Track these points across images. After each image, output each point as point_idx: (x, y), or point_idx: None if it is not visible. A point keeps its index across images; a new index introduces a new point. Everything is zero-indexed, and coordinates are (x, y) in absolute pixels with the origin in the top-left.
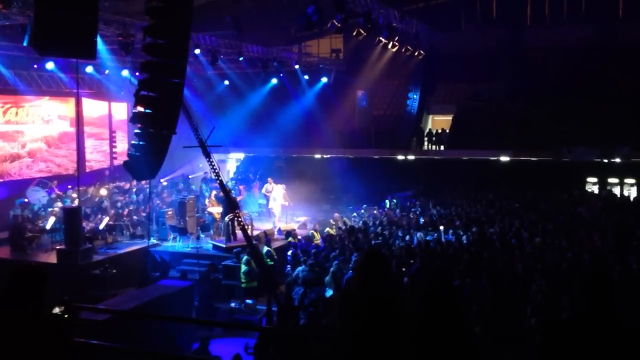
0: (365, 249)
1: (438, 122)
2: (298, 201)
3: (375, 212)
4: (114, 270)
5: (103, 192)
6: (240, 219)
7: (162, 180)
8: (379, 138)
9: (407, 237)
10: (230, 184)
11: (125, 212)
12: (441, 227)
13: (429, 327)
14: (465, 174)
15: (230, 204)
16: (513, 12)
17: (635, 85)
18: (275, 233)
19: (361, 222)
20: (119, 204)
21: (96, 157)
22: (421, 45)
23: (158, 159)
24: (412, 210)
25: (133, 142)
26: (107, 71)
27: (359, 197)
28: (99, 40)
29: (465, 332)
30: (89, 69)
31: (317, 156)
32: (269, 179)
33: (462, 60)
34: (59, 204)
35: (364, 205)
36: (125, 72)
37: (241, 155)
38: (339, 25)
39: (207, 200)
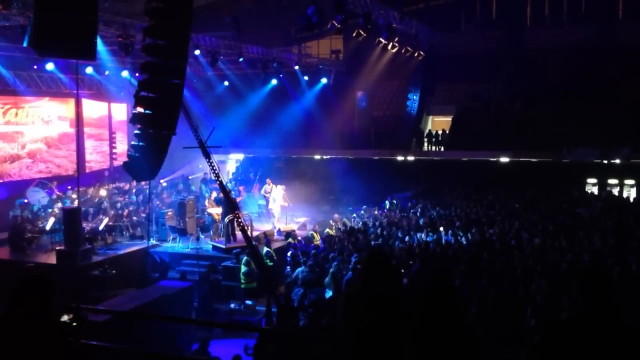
0: (365, 249)
1: (438, 122)
2: (298, 202)
3: (375, 212)
4: (114, 271)
5: (103, 192)
6: (240, 220)
7: (161, 181)
8: (378, 139)
9: (407, 238)
10: (230, 185)
11: (125, 212)
12: (441, 228)
13: (429, 326)
14: (464, 174)
15: (230, 205)
16: (513, 12)
17: (635, 86)
18: (275, 234)
19: (361, 223)
20: (118, 205)
21: (96, 157)
22: (421, 46)
23: (158, 160)
24: (412, 211)
25: (133, 142)
26: (107, 72)
27: (359, 198)
28: (98, 41)
29: (465, 330)
30: (89, 70)
31: (317, 157)
32: (268, 180)
33: (462, 61)
34: (59, 205)
35: (364, 206)
36: (125, 73)
37: (241, 156)
38: (339, 26)
39: (206, 201)
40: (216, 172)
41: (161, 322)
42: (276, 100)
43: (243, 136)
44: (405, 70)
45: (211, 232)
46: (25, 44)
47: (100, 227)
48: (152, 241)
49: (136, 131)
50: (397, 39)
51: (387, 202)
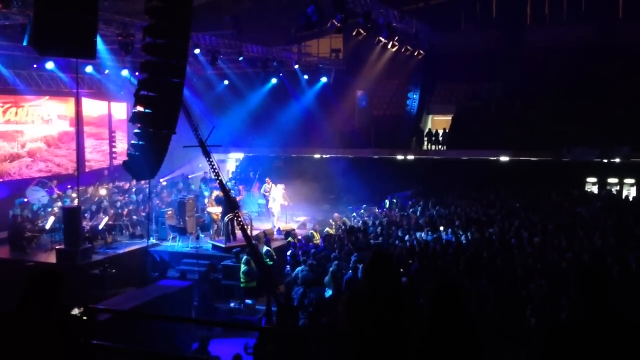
0: (365, 249)
1: (438, 122)
2: (298, 201)
3: (375, 212)
4: (114, 270)
5: (103, 192)
6: (240, 219)
7: (161, 180)
8: (378, 138)
9: (407, 238)
10: (230, 184)
11: (125, 212)
12: (441, 228)
13: (437, 332)
14: (465, 174)
15: (230, 204)
16: (513, 12)
17: (635, 86)
18: (275, 233)
19: (361, 222)
20: (118, 204)
21: (96, 157)
22: (421, 45)
23: (158, 159)
24: (412, 210)
25: (133, 142)
26: (107, 71)
27: (359, 197)
28: (99, 40)
29: (473, 336)
30: (89, 69)
31: (317, 156)
32: (267, 180)
33: (462, 60)
34: (59, 204)
35: (364, 206)
36: (125, 72)
37: (241, 155)
38: (339, 25)
39: (206, 200)
40: (216, 171)
41: (161, 322)
42: (276, 100)
43: (243, 135)
44: (405, 69)
45: (211, 231)
46: (25, 43)
47: (101, 227)
48: (152, 240)
49: (136, 130)
50: (397, 38)
51: (387, 201)
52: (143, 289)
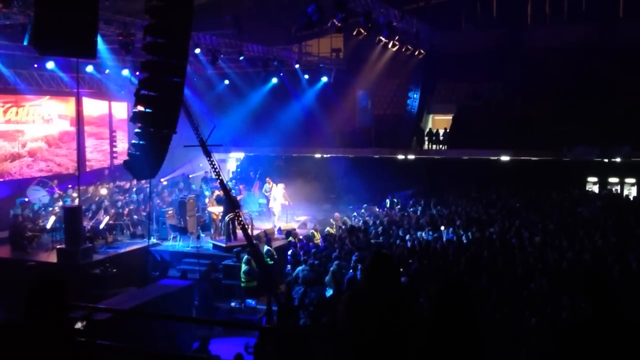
0: (366, 248)
1: (438, 121)
2: (298, 200)
3: (376, 211)
4: (114, 270)
5: (103, 191)
6: (240, 219)
7: (162, 179)
8: (379, 137)
9: (408, 237)
10: (230, 184)
11: (126, 211)
12: (442, 227)
13: (441, 332)
14: (465, 173)
15: (231, 204)
16: (513, 11)
17: (635, 85)
18: (276, 232)
19: (361, 221)
20: (119, 204)
21: (96, 156)
22: (421, 44)
23: (158, 159)
24: (412, 209)
25: (133, 141)
26: (107, 70)
27: (360, 196)
28: (99, 39)
29: (477, 337)
30: (89, 69)
31: (318, 155)
32: (267, 179)
33: (463, 59)
34: (60, 203)
35: (365, 205)
36: (125, 72)
37: (241, 155)
38: (339, 24)
39: (207, 200)
40: (217, 170)
41: (161, 321)
42: (277, 99)
43: (243, 135)
44: (405, 68)
45: (212, 230)
46: (25, 43)
47: (101, 226)
48: (153, 240)
49: (137, 130)
50: (397, 37)
51: (387, 200)
52: (143, 288)
